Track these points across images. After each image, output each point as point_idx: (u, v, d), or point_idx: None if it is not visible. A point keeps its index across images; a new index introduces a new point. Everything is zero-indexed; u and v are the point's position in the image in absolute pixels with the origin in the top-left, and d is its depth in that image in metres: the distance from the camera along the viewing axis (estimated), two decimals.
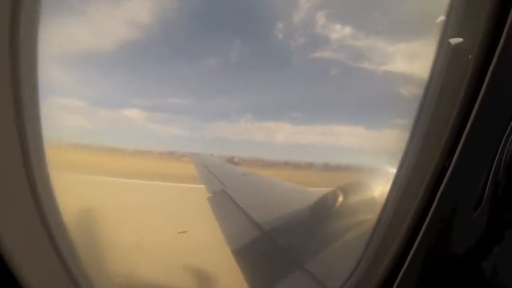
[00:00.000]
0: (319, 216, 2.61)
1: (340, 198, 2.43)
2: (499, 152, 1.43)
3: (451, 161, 1.02)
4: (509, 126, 1.30)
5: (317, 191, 3.47)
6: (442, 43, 1.03)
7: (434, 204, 1.03)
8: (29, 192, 0.75)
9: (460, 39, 0.99)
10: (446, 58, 1.02)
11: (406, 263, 1.04)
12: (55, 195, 0.84)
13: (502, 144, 1.41)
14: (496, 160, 1.43)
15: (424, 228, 1.03)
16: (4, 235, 0.72)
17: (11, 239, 0.72)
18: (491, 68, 0.94)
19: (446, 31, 1.02)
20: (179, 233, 4.68)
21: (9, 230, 0.72)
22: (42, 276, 0.78)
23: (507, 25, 0.90)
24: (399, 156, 1.17)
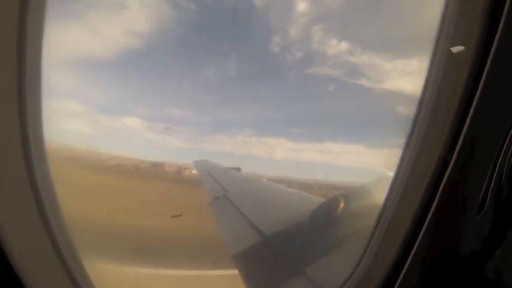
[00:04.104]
0: (321, 222, 2.59)
1: (342, 205, 2.42)
2: (500, 159, 1.42)
3: (448, 166, 1.02)
4: (509, 134, 1.29)
5: (319, 197, 3.45)
6: (435, 57, 1.06)
7: (432, 209, 1.02)
8: (30, 190, 0.77)
9: (453, 51, 1.01)
10: (440, 67, 1.04)
11: (405, 267, 1.04)
12: (56, 193, 0.86)
13: (503, 151, 1.40)
14: (497, 166, 1.42)
15: (422, 232, 1.03)
16: (6, 234, 0.73)
17: (12, 238, 0.73)
18: (484, 75, 0.96)
19: (439, 46, 1.04)
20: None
21: (11, 229, 0.74)
22: (43, 276, 0.79)
23: (496, 39, 0.93)
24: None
